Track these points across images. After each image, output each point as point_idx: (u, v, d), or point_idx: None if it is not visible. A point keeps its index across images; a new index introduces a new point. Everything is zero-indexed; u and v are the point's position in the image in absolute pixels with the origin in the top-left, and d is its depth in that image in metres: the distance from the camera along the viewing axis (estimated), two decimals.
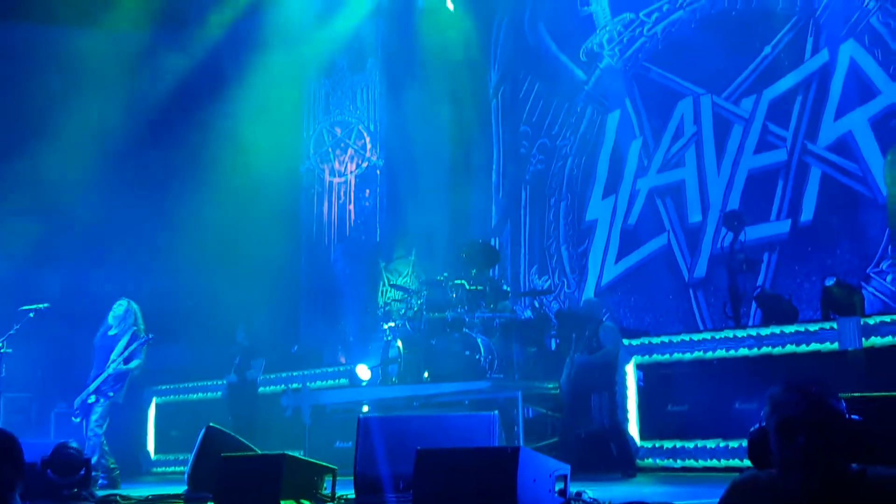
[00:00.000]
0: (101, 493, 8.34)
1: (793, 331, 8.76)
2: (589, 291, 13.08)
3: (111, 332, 10.01)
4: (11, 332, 9.96)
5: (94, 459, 9.44)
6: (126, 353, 9.80)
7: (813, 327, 8.67)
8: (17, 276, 13.02)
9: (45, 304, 10.19)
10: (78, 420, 9.89)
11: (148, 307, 10.46)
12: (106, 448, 9.78)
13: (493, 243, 13.91)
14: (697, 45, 12.49)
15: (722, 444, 8.87)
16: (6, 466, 3.49)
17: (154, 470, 13.39)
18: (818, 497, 2.90)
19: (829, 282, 9.38)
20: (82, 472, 7.55)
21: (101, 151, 14.08)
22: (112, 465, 9.77)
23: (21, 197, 13.78)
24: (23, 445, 3.61)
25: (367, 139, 16.09)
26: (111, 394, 9.77)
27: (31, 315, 10.09)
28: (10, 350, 9.89)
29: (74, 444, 7.78)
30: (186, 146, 14.69)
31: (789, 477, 2.93)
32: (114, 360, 9.77)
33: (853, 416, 2.97)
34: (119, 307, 10.05)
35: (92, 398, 9.75)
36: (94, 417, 9.71)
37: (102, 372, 9.79)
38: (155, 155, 14.50)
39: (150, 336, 9.96)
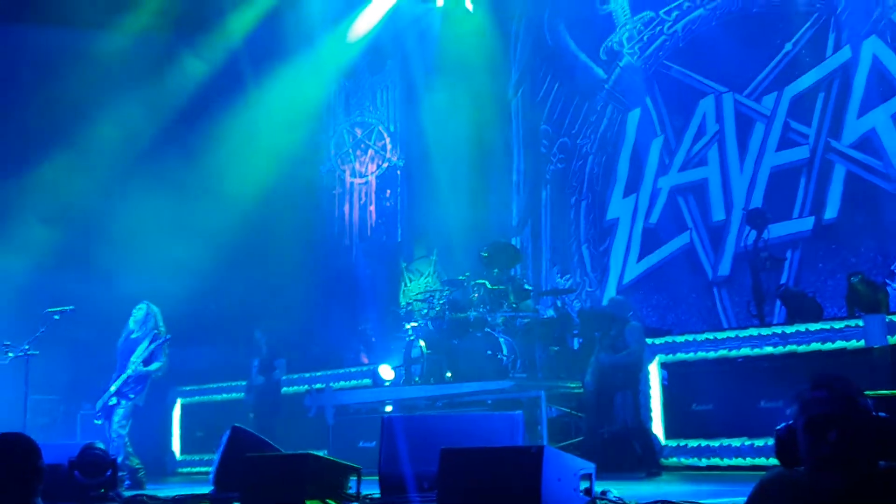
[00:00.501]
0: (127, 493, 8.40)
1: (818, 328, 8.71)
2: (611, 290, 13.06)
3: (133, 336, 10.06)
4: (37, 334, 10.04)
5: (118, 461, 9.51)
6: (145, 355, 9.85)
7: (838, 325, 8.62)
8: (42, 279, 13.12)
9: (71, 307, 10.26)
10: (100, 422, 9.94)
11: (172, 310, 10.52)
12: (130, 449, 9.83)
13: (514, 243, 13.92)
14: (718, 43, 12.44)
15: (747, 443, 8.83)
16: (27, 470, 3.56)
17: (180, 470, 13.47)
18: (848, 495, 2.88)
19: (854, 279, 9.33)
20: (109, 473, 7.61)
21: (122, 155, 14.16)
22: (137, 466, 9.82)
23: (46, 202, 13.88)
24: (50, 447, 3.67)
25: (388, 140, 16.13)
26: (132, 395, 9.81)
27: (57, 318, 10.16)
28: (36, 352, 9.96)
29: (101, 446, 7.84)
30: (208, 149, 14.74)
31: (820, 475, 2.92)
32: (133, 363, 9.82)
33: (880, 414, 2.96)
34: (139, 311, 10.09)
35: (113, 400, 9.79)
36: (116, 419, 9.76)
37: (122, 374, 9.84)
38: (176, 158, 14.56)
39: (168, 336, 10.00)
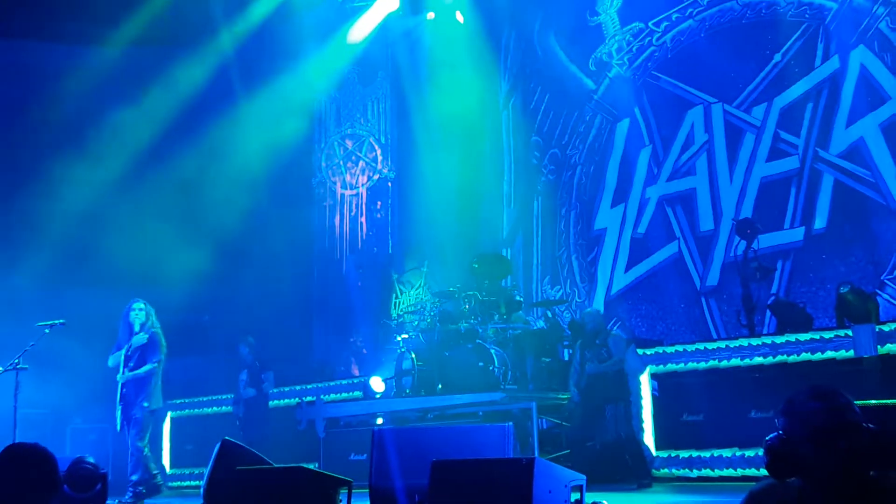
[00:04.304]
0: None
1: (808, 338, 8.73)
2: (599, 300, 13.08)
3: (135, 339, 9.98)
4: (27, 347, 9.97)
5: (136, 476, 9.48)
6: (134, 360, 9.77)
7: (828, 335, 8.63)
8: (35, 293, 13.09)
9: (61, 321, 10.20)
10: (119, 430, 9.85)
11: (163, 322, 10.46)
12: (148, 454, 9.83)
13: (504, 254, 13.92)
14: (707, 54, 12.50)
15: (738, 454, 8.83)
16: (42, 481, 3.54)
17: (170, 484, 13.38)
18: None
19: (844, 289, 9.35)
20: (98, 487, 7.56)
21: (113, 168, 14.15)
22: (154, 472, 9.79)
23: (39, 217, 13.86)
24: None
25: (379, 151, 16.14)
26: (146, 404, 9.73)
27: (47, 331, 10.11)
28: (26, 366, 9.90)
29: (91, 460, 7.78)
30: (199, 161, 14.73)
31: (819, 486, 2.91)
32: (122, 369, 9.75)
33: (868, 425, 2.97)
34: (140, 312, 9.98)
35: (120, 407, 9.72)
36: (133, 432, 9.65)
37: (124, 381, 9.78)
38: (167, 170, 14.55)
39: (151, 332, 9.89)
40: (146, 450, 9.69)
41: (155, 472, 9.78)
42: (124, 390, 9.74)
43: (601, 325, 9.95)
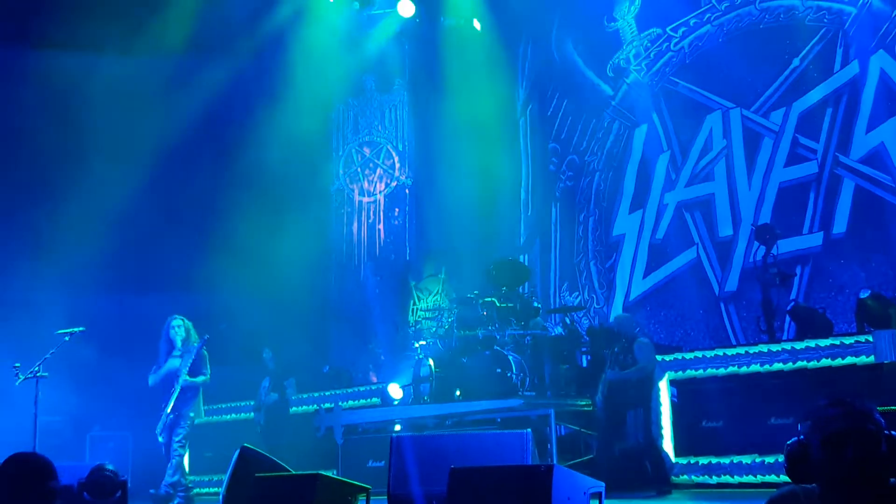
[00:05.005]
0: None
1: (828, 344, 8.66)
2: (617, 307, 13.05)
3: (176, 353, 10.11)
4: (47, 355, 10.03)
5: (175, 478, 9.64)
6: (188, 367, 9.92)
7: (848, 340, 8.57)
8: (55, 300, 13.16)
9: (81, 328, 10.27)
10: (162, 440, 9.99)
11: None
12: (184, 467, 10.03)
13: (522, 260, 13.91)
14: (725, 59, 12.47)
15: (758, 460, 8.77)
16: (39, 490, 3.56)
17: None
18: None
19: (864, 294, 9.29)
20: (118, 495, 7.58)
21: (133, 177, 14.23)
22: (190, 485, 10.03)
23: (60, 223, 13.94)
24: (60, 468, 3.67)
25: (396, 158, 16.17)
26: (192, 414, 9.93)
27: (67, 339, 10.17)
28: (46, 374, 9.96)
29: (111, 467, 7.81)
30: (218, 169, 14.79)
31: (834, 492, 2.90)
32: (181, 376, 9.89)
33: (893, 432, 2.95)
34: (180, 329, 10.14)
35: (171, 416, 9.85)
36: (176, 438, 9.90)
37: (174, 392, 9.90)
38: (186, 179, 14.61)
39: (206, 337, 10.07)
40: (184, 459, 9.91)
41: (190, 485, 9.97)
42: (177, 399, 9.87)
43: (626, 332, 9.90)
